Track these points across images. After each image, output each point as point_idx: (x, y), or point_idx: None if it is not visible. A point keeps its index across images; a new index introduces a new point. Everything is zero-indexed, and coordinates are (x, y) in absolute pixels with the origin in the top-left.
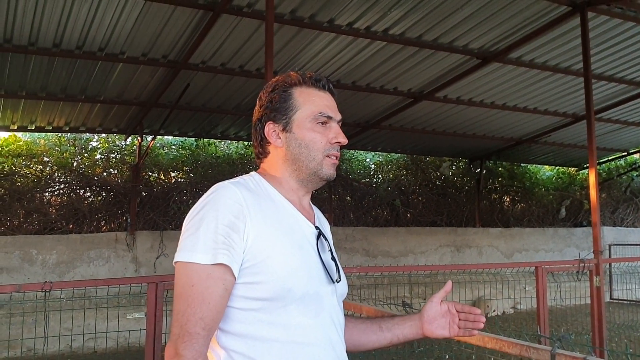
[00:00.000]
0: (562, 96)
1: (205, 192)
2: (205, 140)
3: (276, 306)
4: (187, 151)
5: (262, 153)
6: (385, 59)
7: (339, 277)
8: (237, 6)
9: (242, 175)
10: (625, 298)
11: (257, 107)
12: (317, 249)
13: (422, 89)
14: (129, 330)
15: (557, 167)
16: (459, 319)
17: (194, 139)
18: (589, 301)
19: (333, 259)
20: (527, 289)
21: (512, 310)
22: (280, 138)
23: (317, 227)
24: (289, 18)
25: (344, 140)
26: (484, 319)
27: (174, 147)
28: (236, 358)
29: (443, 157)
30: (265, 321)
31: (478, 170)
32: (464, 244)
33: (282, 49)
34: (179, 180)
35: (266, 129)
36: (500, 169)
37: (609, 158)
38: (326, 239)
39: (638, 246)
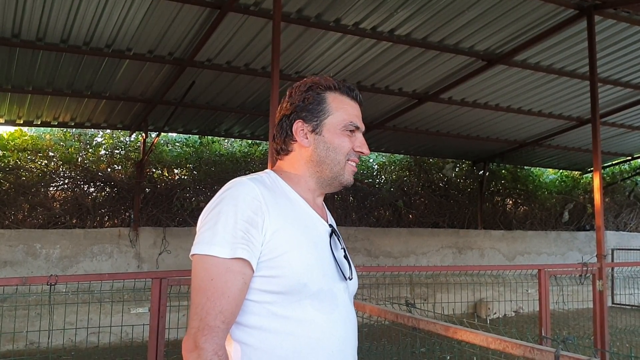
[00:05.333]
0: (567, 99)
1: (208, 189)
2: (209, 137)
3: (291, 300)
4: (191, 148)
5: (284, 150)
6: (391, 59)
7: (351, 275)
8: (244, 5)
9: (245, 173)
10: (627, 303)
11: (285, 104)
12: (330, 247)
13: (427, 90)
14: (132, 325)
15: (561, 171)
16: None
17: (198, 136)
18: (591, 305)
19: (345, 256)
20: (529, 292)
21: (513, 313)
22: (307, 138)
23: (330, 225)
24: (296, 17)
25: (367, 151)
26: None
27: (178, 144)
28: (248, 350)
29: (446, 159)
30: (280, 315)
31: (481, 172)
32: (465, 245)
33: (288, 47)
34: (183, 177)
35: (295, 127)
36: (503, 171)
37: (613, 162)
38: (339, 237)
39: None
